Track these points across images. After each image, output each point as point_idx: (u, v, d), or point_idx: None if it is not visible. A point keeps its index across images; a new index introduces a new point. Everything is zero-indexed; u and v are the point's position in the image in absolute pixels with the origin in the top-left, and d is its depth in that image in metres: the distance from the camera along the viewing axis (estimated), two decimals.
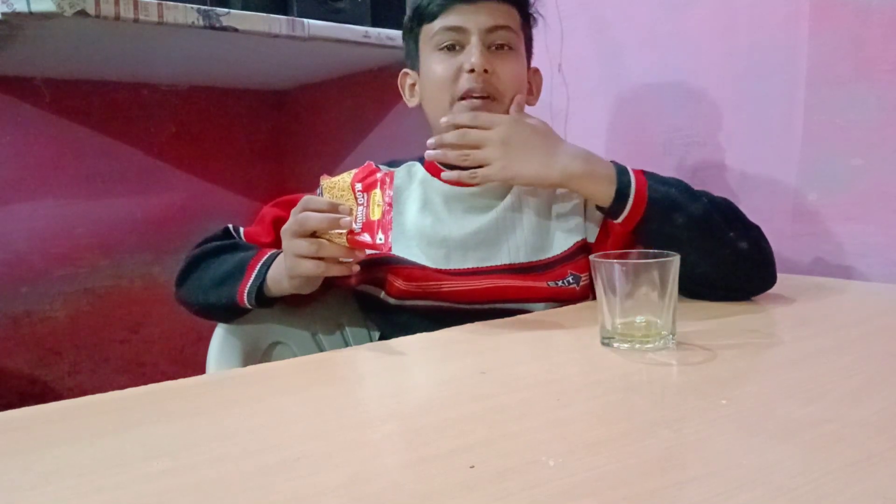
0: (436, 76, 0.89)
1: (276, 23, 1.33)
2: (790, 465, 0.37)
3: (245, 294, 0.80)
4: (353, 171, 0.72)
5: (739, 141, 1.08)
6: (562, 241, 0.90)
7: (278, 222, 0.88)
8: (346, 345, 1.00)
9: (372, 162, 0.73)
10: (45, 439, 0.47)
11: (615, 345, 0.62)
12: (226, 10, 1.28)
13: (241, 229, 0.93)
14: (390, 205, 0.69)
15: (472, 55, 0.85)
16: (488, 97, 0.87)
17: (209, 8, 1.26)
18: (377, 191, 0.70)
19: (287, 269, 0.75)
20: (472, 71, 0.85)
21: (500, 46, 0.88)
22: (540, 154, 0.81)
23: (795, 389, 0.50)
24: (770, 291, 0.83)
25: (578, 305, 0.85)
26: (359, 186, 0.71)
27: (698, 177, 1.14)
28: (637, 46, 1.22)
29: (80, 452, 0.44)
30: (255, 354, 0.90)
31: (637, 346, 0.61)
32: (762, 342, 0.63)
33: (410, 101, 0.97)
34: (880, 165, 0.91)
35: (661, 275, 0.60)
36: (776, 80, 1.02)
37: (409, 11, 0.93)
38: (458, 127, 0.83)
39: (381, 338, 0.98)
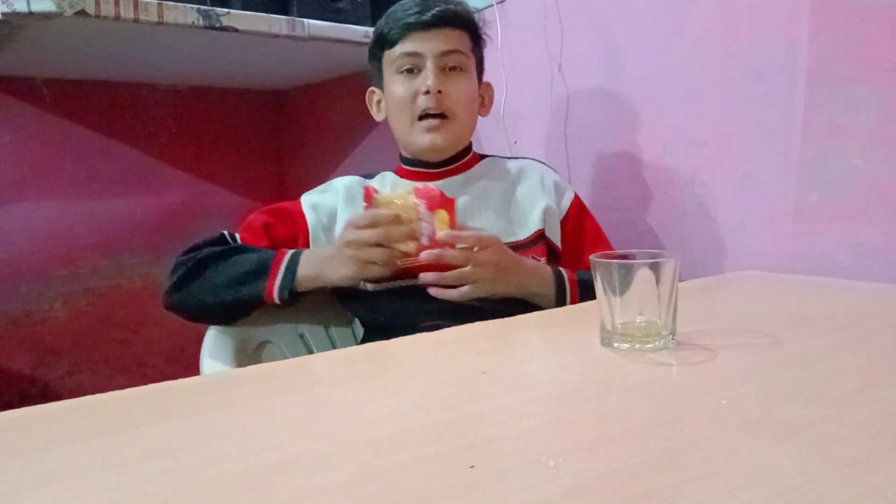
0: (397, 97, 0.99)
1: (276, 23, 1.33)
2: (790, 465, 0.37)
3: (276, 289, 0.89)
4: (409, 190, 0.87)
5: (739, 141, 1.08)
6: (523, 230, 1.00)
7: (268, 228, 0.99)
8: (332, 343, 1.04)
9: (433, 186, 0.89)
10: (45, 439, 0.47)
11: (615, 345, 0.62)
12: (226, 10, 1.28)
13: (237, 236, 0.98)
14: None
15: (428, 78, 0.96)
16: (442, 115, 0.98)
17: (209, 8, 1.26)
18: (442, 211, 0.85)
19: (354, 272, 0.87)
20: (427, 92, 0.96)
21: (453, 68, 0.99)
22: (513, 275, 0.90)
23: (795, 389, 0.50)
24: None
25: (578, 305, 0.85)
26: (422, 205, 0.85)
27: (698, 177, 1.14)
28: (637, 46, 1.22)
29: (80, 452, 0.44)
30: (245, 351, 0.94)
31: (637, 346, 0.61)
32: (762, 342, 0.63)
33: (378, 116, 1.08)
34: (880, 165, 0.91)
35: (661, 275, 0.60)
36: (776, 81, 1.02)
37: (372, 37, 1.04)
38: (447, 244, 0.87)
39: (363, 323, 1.03)
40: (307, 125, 2.04)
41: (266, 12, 1.33)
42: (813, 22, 0.97)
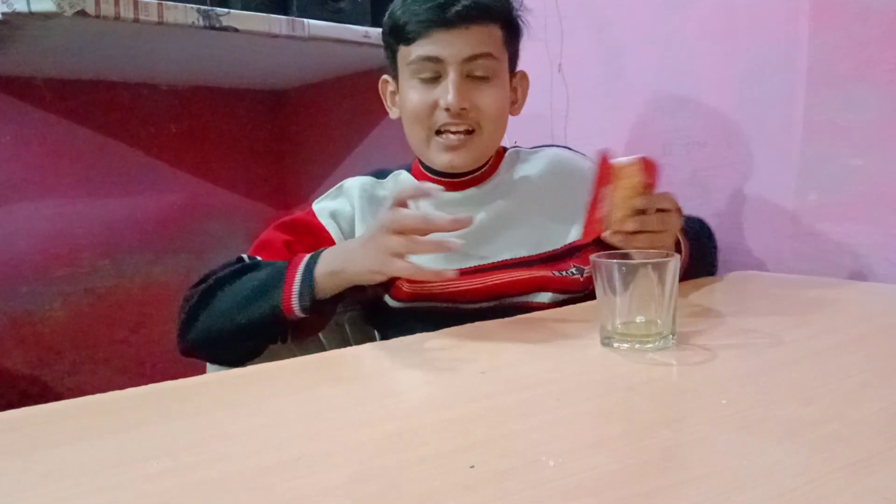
0: (412, 107, 0.86)
1: (276, 23, 1.33)
2: (790, 465, 0.37)
3: (294, 296, 0.72)
4: (635, 161, 0.69)
5: (739, 141, 1.08)
6: (563, 236, 0.92)
7: (290, 246, 0.86)
8: (348, 344, 1.00)
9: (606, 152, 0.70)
10: (45, 439, 0.47)
11: (615, 345, 0.62)
12: (226, 10, 1.28)
13: (259, 259, 0.84)
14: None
15: (449, 92, 0.82)
16: (466, 131, 0.86)
17: (209, 8, 1.26)
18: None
19: (377, 264, 0.69)
20: (448, 109, 0.83)
21: (481, 76, 0.85)
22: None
23: (795, 389, 0.50)
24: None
25: (578, 306, 0.85)
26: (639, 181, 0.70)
27: (698, 177, 1.14)
28: (637, 46, 1.22)
29: (80, 452, 0.44)
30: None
31: (637, 346, 0.61)
32: (762, 342, 0.63)
33: (392, 112, 0.94)
34: (880, 165, 0.91)
35: (661, 275, 0.60)
36: (776, 80, 1.02)
37: (386, 18, 0.89)
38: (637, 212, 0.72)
39: (382, 339, 0.98)
40: (307, 125, 2.03)
41: (266, 12, 1.33)
42: (813, 22, 0.97)
